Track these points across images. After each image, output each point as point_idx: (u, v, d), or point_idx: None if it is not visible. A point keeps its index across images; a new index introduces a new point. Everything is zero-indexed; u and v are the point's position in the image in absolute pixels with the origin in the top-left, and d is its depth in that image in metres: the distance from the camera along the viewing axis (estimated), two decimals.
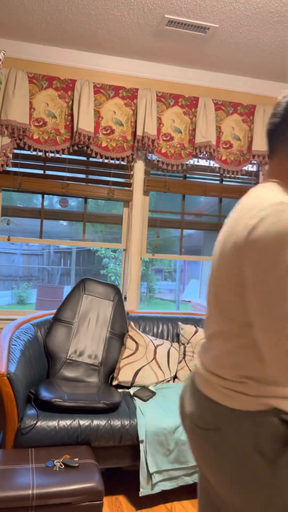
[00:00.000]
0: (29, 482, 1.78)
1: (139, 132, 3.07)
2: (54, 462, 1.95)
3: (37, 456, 2.00)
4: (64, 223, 12.62)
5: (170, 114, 3.20)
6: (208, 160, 3.35)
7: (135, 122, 3.13)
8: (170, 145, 3.20)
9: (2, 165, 2.93)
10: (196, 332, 2.96)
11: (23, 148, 3.05)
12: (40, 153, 3.01)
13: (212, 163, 3.36)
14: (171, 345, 2.92)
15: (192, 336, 2.94)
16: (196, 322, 3.14)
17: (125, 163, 3.24)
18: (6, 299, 10.72)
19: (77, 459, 2.00)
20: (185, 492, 2.39)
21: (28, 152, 3.07)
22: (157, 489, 2.18)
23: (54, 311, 3.00)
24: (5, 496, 1.71)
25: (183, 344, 2.93)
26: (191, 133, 3.24)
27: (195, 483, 2.46)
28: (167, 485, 2.20)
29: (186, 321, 3.13)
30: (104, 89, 3.09)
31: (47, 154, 3.02)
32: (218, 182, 3.45)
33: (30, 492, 1.73)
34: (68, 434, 2.17)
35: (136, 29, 2.73)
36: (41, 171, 3.13)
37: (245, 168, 3.39)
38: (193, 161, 3.30)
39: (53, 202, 3.33)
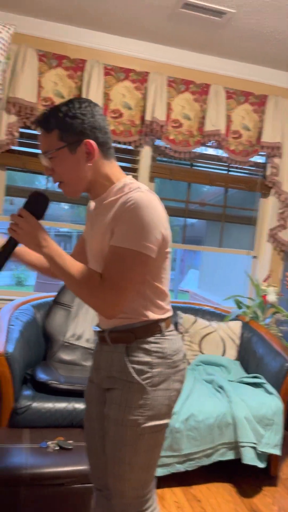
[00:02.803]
0: (23, 461, 1.78)
1: (148, 117, 3.03)
2: (48, 443, 1.95)
3: (31, 437, 2.00)
4: (66, 206, 12.52)
5: (180, 100, 3.14)
6: (216, 149, 3.31)
7: (144, 106, 3.07)
8: (179, 132, 3.16)
9: (8, 144, 2.89)
10: (195, 321, 2.95)
11: (29, 128, 3.00)
12: None
13: (220, 152, 3.32)
14: None
15: (191, 326, 2.93)
16: (195, 311, 3.13)
17: (132, 148, 3.20)
18: (5, 279, 10.73)
19: (71, 441, 2.00)
20: (176, 479, 2.40)
21: (35, 132, 3.03)
22: None
23: (54, 293, 2.98)
24: None
25: (181, 333, 2.93)
26: (200, 121, 3.19)
27: (187, 471, 2.47)
28: (159, 472, 2.21)
29: (185, 310, 3.12)
30: (114, 71, 3.03)
31: None
32: (225, 172, 3.41)
33: (23, 472, 1.74)
34: (63, 417, 2.18)
35: (150, 10, 2.67)
36: None
37: (253, 159, 3.35)
38: (200, 150, 3.26)
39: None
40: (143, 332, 1.27)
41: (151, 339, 1.27)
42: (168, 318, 1.34)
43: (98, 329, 1.38)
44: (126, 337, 1.28)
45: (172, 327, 1.36)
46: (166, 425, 1.31)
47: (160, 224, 1.19)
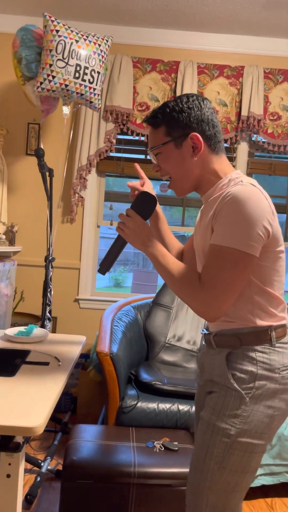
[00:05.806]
0: (131, 459, 1.82)
1: (244, 113, 2.94)
2: (154, 443, 1.97)
3: (137, 436, 2.04)
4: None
5: (279, 92, 3.00)
6: None
7: (240, 101, 2.99)
8: (278, 125, 3.01)
9: (106, 151, 2.99)
10: None
11: (126, 134, 3.08)
12: (142, 138, 3.03)
13: None
14: None
15: None
16: None
17: (227, 145, 3.12)
18: (104, 281, 11.17)
19: (176, 442, 2.00)
20: (286, 490, 2.29)
21: (131, 137, 3.10)
22: (257, 483, 2.11)
23: (153, 295, 3.02)
24: (110, 470, 1.77)
25: None
26: None
27: None
28: (268, 480, 2.12)
29: None
30: (208, 69, 2.99)
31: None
32: None
33: (132, 469, 1.78)
34: (168, 418, 2.19)
35: (245, 2, 2.58)
36: (142, 156, 3.14)
37: None
38: None
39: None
40: (251, 339, 1.17)
41: (258, 347, 1.17)
42: (282, 326, 1.21)
43: (205, 331, 1.33)
44: (231, 341, 1.19)
45: (286, 338, 1.22)
46: (262, 448, 1.17)
47: (263, 219, 1.08)
